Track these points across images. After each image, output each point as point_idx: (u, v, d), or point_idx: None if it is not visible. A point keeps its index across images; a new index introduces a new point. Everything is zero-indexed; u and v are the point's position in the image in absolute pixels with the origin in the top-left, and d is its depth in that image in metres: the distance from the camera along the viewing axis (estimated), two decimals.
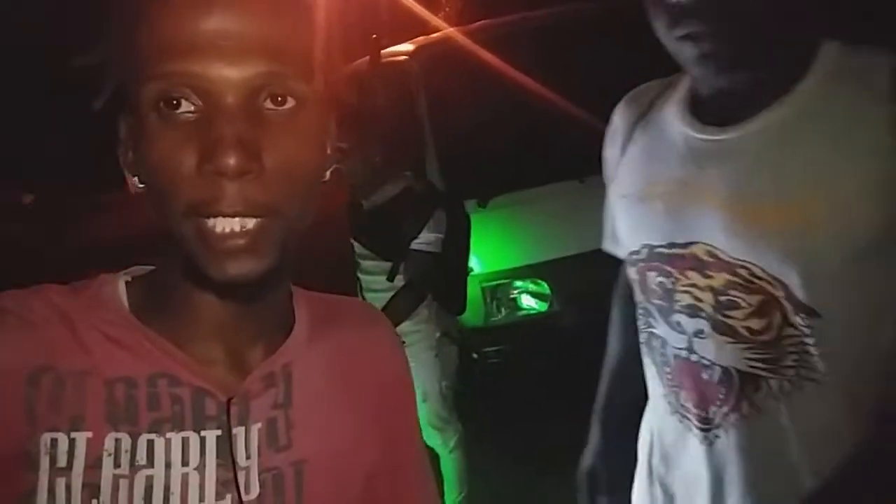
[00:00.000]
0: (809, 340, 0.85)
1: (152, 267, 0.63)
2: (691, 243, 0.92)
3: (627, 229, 1.03)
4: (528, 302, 2.90)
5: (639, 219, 1.00)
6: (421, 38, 3.95)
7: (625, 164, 1.04)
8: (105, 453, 0.55)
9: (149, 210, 0.56)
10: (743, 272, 0.87)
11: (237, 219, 0.51)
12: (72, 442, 0.54)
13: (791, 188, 0.84)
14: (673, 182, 0.94)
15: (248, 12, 0.52)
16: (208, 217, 0.51)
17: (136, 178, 0.56)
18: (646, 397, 1.08)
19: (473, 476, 2.51)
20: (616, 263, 1.17)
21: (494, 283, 2.86)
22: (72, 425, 0.55)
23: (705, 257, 0.91)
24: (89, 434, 0.55)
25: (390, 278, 2.27)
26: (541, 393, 2.94)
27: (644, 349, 1.06)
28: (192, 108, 0.52)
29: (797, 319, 0.85)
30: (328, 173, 0.60)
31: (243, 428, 0.59)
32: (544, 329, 2.92)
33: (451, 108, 3.05)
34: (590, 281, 2.88)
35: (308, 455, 0.61)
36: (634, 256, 1.01)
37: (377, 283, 2.30)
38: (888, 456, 0.85)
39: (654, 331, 1.01)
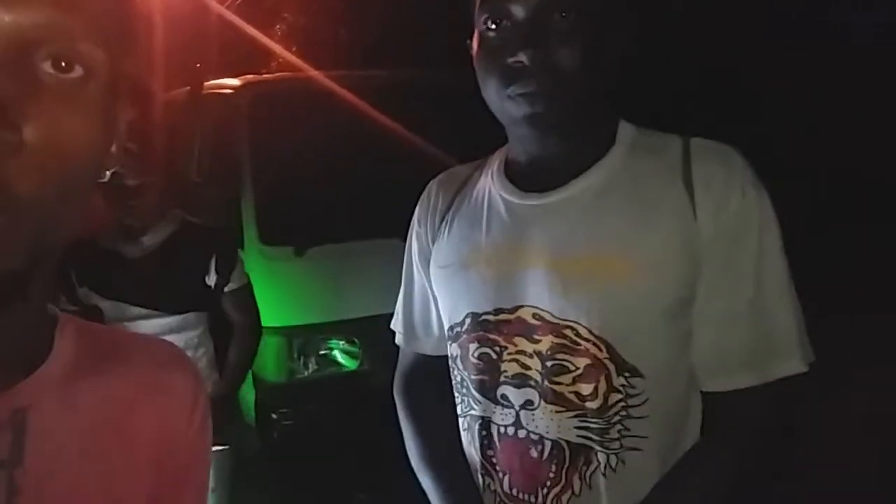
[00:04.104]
0: (632, 402, 0.87)
1: None
2: (518, 307, 0.91)
3: (450, 300, 1.00)
4: (338, 359, 2.76)
5: (463, 287, 0.97)
6: (251, 75, 3.78)
7: (444, 236, 1.02)
8: None
9: None
10: (569, 332, 0.88)
11: None
12: None
13: (606, 248, 0.88)
14: (498, 246, 0.94)
15: None
16: None
17: None
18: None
19: None
20: None
21: (304, 337, 2.70)
22: None
23: (532, 320, 0.90)
24: None
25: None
26: (342, 456, 2.79)
27: (464, 436, 1.00)
28: None
29: (620, 381, 0.86)
30: (108, 174, 0.48)
31: None
32: (352, 389, 2.79)
33: (277, 152, 2.92)
34: None
35: None
36: (458, 329, 0.98)
37: None
38: None
39: (474, 412, 0.96)
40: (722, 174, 0.86)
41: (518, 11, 0.84)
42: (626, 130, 0.94)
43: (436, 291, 1.04)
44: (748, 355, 0.85)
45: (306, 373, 2.72)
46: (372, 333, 2.73)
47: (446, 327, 1.01)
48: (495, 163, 1.01)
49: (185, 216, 1.98)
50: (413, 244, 1.10)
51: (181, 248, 1.89)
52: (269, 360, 2.73)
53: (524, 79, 0.84)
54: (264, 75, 3.91)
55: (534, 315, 0.90)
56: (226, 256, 1.98)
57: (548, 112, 0.85)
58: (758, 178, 0.87)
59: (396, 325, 1.15)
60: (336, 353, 2.75)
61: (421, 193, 1.10)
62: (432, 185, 1.10)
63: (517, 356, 0.91)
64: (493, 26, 0.86)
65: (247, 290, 2.04)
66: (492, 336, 0.93)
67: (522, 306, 0.91)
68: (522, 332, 0.91)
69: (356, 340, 2.74)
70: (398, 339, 1.15)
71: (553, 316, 0.88)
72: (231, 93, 3.31)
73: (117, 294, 1.83)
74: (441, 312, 1.03)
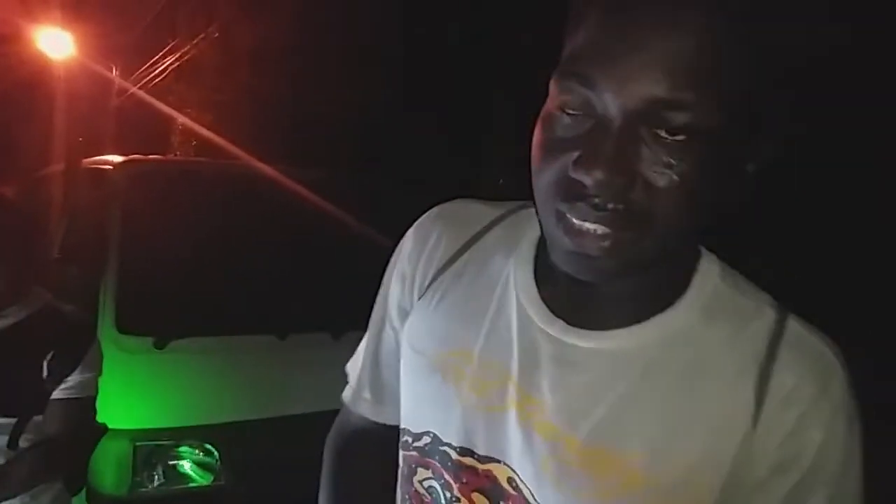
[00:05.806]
0: None
1: None
2: (492, 460, 0.69)
3: (412, 401, 0.77)
4: (189, 471, 2.42)
5: (430, 395, 0.74)
6: (137, 155, 3.58)
7: (432, 302, 0.76)
8: None
9: None
10: None
11: None
12: None
13: (628, 443, 0.63)
14: (492, 368, 0.70)
15: None
16: None
17: None
18: None
19: None
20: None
21: (152, 443, 2.36)
22: None
23: (505, 485, 0.68)
24: None
25: (12, 444, 1.54)
26: None
27: None
28: None
29: None
30: None
31: None
32: None
33: (148, 234, 2.68)
34: (268, 452, 2.55)
35: None
36: (410, 439, 0.75)
37: None
38: None
39: None
40: (810, 394, 0.63)
41: (609, 106, 0.57)
42: (708, 273, 0.68)
43: (401, 370, 0.79)
44: None
45: (150, 486, 2.35)
46: (233, 443, 2.42)
47: (401, 424, 0.79)
48: (525, 244, 0.75)
49: (46, 300, 1.67)
50: (392, 285, 0.82)
51: (31, 336, 1.58)
52: (109, 468, 2.34)
53: (585, 204, 0.58)
54: (151, 156, 3.70)
55: (509, 480, 0.67)
56: (70, 351, 1.63)
57: (606, 261, 0.60)
58: (854, 401, 0.64)
59: (353, 370, 0.90)
60: (189, 463, 2.42)
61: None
62: (436, 220, 0.81)
63: None
64: (570, 111, 0.59)
65: (76, 407, 1.64)
66: (447, 476, 0.71)
67: (498, 462, 0.68)
68: (487, 492, 0.69)
69: (214, 450, 2.42)
70: (346, 394, 0.90)
71: (534, 499, 0.66)
72: (110, 169, 3.08)
73: None
74: (402, 401, 0.80)
